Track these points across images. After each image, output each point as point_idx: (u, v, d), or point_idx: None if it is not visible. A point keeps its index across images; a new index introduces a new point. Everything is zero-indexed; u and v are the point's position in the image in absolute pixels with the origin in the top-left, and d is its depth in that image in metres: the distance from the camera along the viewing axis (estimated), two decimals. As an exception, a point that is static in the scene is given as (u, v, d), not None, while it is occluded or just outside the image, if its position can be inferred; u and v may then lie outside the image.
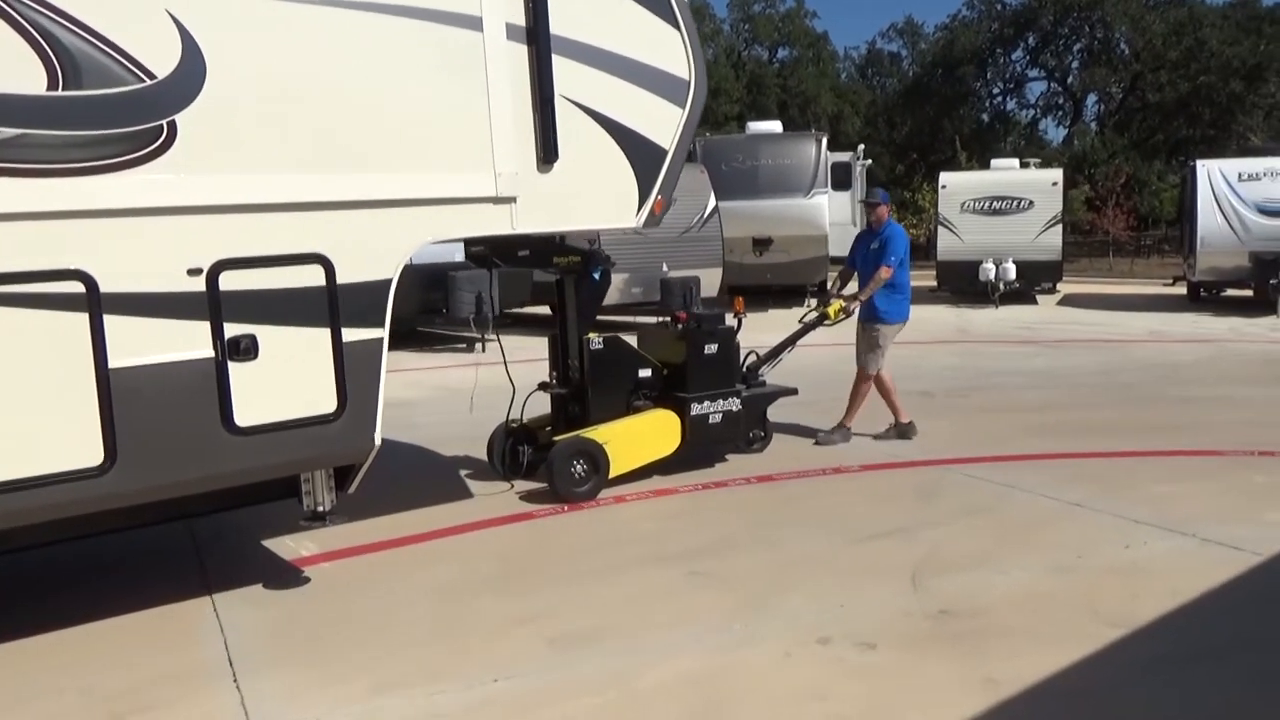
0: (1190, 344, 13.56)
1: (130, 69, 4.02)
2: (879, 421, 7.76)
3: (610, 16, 5.50)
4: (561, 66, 5.24)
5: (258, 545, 5.49)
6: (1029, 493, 6.16)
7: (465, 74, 4.93)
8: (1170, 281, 22.20)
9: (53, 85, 3.86)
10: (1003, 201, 20.13)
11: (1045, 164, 27.01)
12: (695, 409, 6.66)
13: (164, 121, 4.10)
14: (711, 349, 6.80)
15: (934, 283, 21.53)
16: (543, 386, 6.81)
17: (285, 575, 5.00)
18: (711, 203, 16.75)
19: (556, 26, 5.19)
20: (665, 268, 15.64)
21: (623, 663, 3.99)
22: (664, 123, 5.70)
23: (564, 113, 5.26)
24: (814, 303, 7.80)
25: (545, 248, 6.36)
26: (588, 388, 6.54)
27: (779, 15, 48.69)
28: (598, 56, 5.43)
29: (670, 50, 5.71)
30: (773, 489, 6.47)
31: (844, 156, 21.65)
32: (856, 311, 7.60)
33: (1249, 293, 17.73)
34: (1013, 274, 19.21)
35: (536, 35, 5.14)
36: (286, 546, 5.45)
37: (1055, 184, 20.44)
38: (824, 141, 19.90)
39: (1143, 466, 6.83)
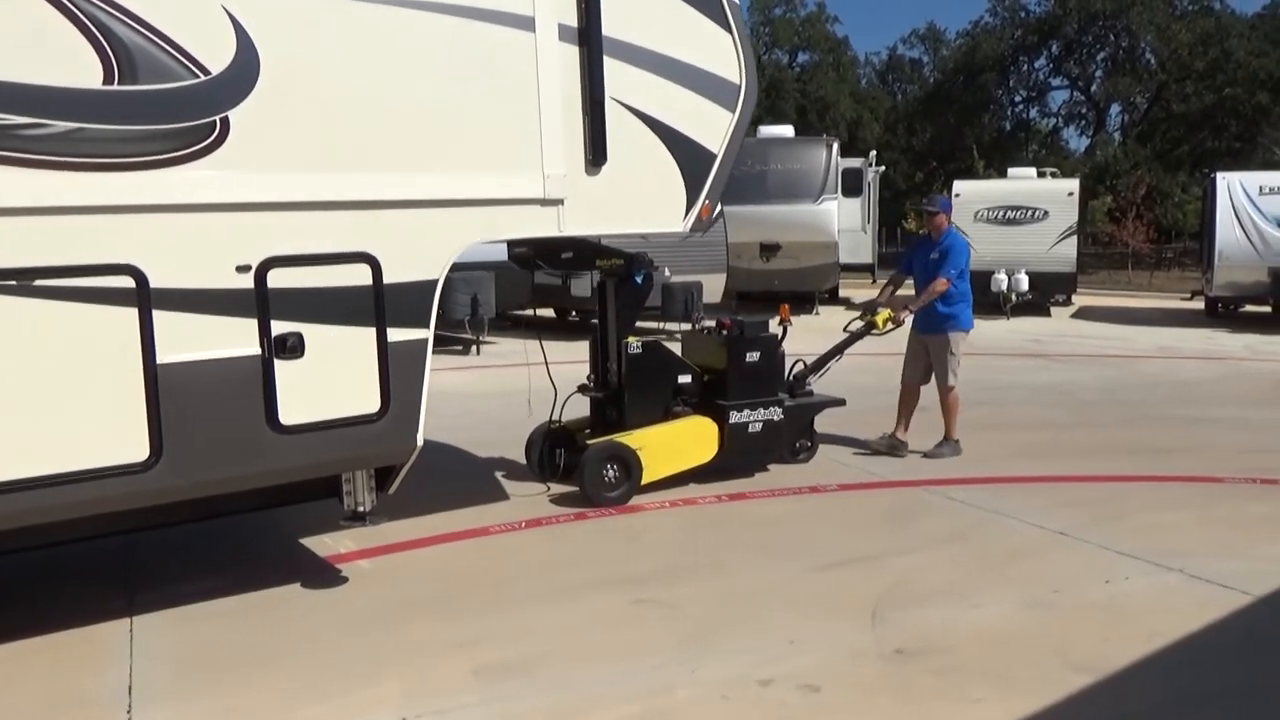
0: (1202, 361, 13.18)
1: (185, 64, 4.00)
2: (881, 430, 7.58)
3: (662, 18, 5.43)
4: (612, 68, 5.17)
5: (190, 563, 5.25)
6: (1012, 519, 5.84)
7: (516, 74, 4.89)
8: (1188, 296, 21.76)
9: (108, 80, 3.85)
10: (1017, 211, 19.76)
11: (1066, 174, 26.59)
12: (734, 417, 6.50)
13: (217, 118, 4.08)
14: (754, 356, 6.64)
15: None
16: (581, 389, 6.70)
17: (215, 595, 4.74)
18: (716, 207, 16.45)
19: (608, 28, 5.12)
20: (667, 272, 15.34)
21: (549, 700, 3.71)
22: (714, 126, 5.62)
23: (614, 115, 5.20)
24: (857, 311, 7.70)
25: (589, 250, 6.27)
26: (625, 392, 6.41)
27: (799, 19, 48.38)
28: (649, 59, 5.35)
29: (722, 53, 5.62)
30: (742, 508, 6.17)
31: (855, 163, 21.31)
32: (908, 321, 7.40)
33: (1268, 309, 17.31)
34: (1025, 285, 18.82)
35: (588, 36, 5.08)
36: (224, 564, 5.22)
37: (1071, 194, 20.04)
38: (835, 147, 19.60)
39: (1136, 492, 6.50)
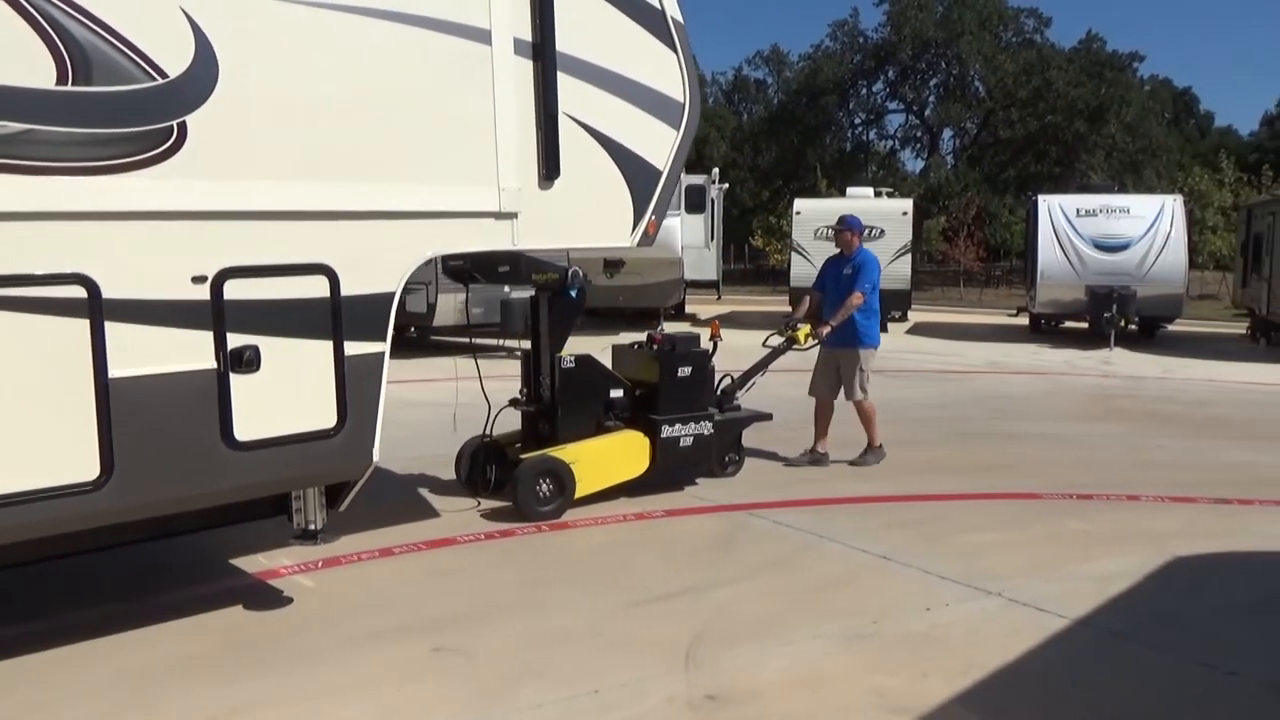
0: (1027, 376, 13.62)
1: (142, 66, 3.86)
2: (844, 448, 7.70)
3: (611, 35, 5.52)
4: (565, 83, 5.24)
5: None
6: (837, 543, 5.69)
7: (473, 87, 4.91)
8: (1014, 312, 22.71)
9: (62, 80, 3.68)
10: (855, 229, 20.14)
11: (904, 194, 27.46)
12: (666, 431, 6.56)
13: (174, 122, 3.95)
14: (685, 371, 6.72)
15: (789, 309, 21.49)
16: (513, 403, 6.67)
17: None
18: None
19: (561, 43, 5.18)
20: (507, 288, 14.89)
21: (320, 773, 3.28)
22: (659, 143, 5.74)
23: (566, 130, 5.26)
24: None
25: (525, 264, 6.21)
26: (558, 406, 6.40)
27: (649, 37, 48.63)
28: (599, 75, 5.44)
29: (667, 72, 5.75)
30: (563, 538, 5.83)
31: (699, 179, 21.35)
32: (824, 335, 7.50)
33: (1085, 325, 18.13)
34: (862, 302, 19.17)
35: (543, 51, 5.14)
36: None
37: (905, 214, 20.63)
38: (678, 164, 19.58)
39: (960, 512, 6.48)
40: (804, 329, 7.55)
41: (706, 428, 6.74)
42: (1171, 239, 17.71)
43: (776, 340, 7.64)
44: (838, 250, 7.89)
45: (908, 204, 21.42)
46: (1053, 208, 18.43)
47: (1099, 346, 16.77)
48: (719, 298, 24.24)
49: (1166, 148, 42.83)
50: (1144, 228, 17.81)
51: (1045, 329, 19.51)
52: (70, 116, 3.71)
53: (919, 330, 20.24)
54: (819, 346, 7.69)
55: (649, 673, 4.00)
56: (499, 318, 14.58)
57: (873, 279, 7.49)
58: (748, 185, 44.79)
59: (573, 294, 6.36)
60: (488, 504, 6.30)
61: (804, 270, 20.36)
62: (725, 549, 5.66)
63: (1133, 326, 18.26)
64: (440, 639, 4.33)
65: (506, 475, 6.31)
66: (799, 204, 21.82)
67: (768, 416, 7.45)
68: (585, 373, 6.50)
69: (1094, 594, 4.87)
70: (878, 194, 23.25)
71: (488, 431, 6.53)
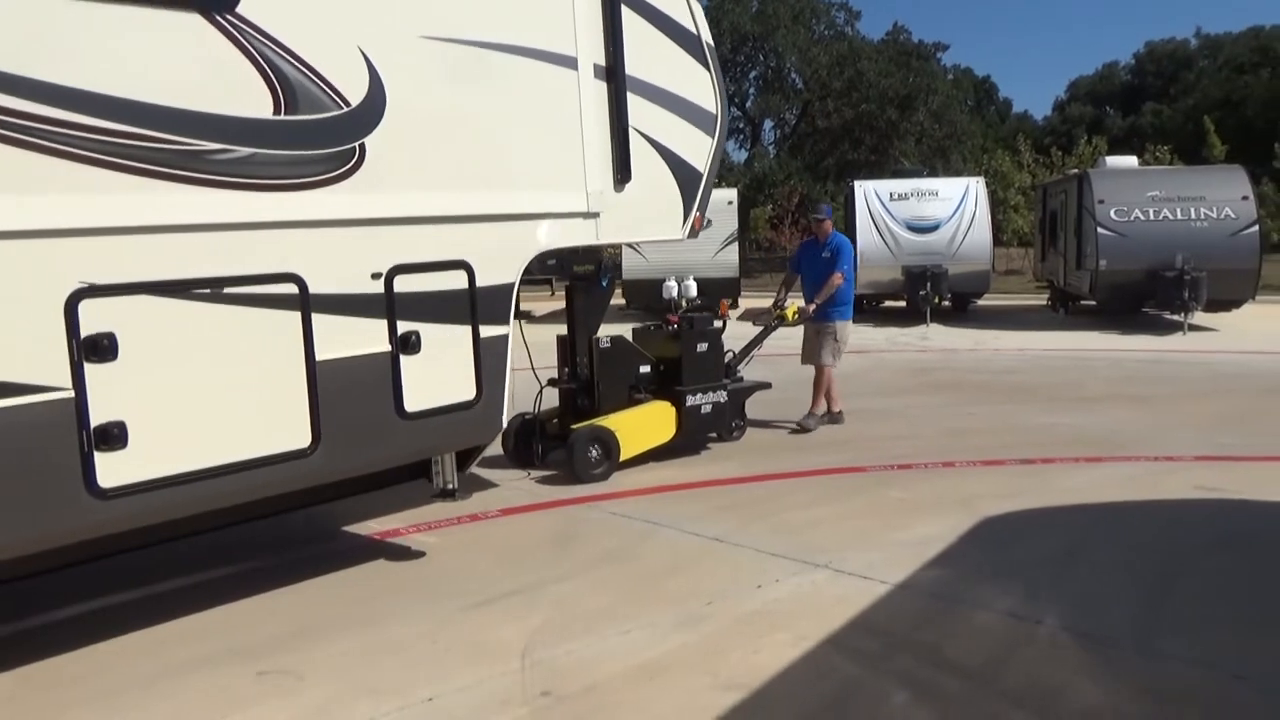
0: (850, 355, 14.09)
1: (333, 97, 4.55)
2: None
3: (662, 58, 6.35)
4: (631, 100, 6.03)
5: None
6: (672, 529, 5.78)
7: (566, 105, 5.69)
8: (838, 295, 23.52)
9: (277, 110, 4.34)
10: (682, 220, 20.46)
11: (729, 185, 28.05)
12: (690, 400, 7.45)
13: (357, 144, 4.64)
14: (703, 347, 7.58)
15: (623, 301, 21.63)
16: (552, 382, 7.34)
17: None
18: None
19: (628, 66, 5.97)
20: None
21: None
22: (700, 149, 6.64)
23: (633, 140, 6.05)
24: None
25: (569, 257, 6.73)
26: (598, 382, 7.11)
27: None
28: (655, 92, 6.28)
29: (703, 87, 6.67)
30: (394, 547, 5.69)
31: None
32: (811, 312, 8.45)
33: (903, 304, 19.00)
34: (694, 291, 19.33)
35: (615, 73, 5.94)
36: None
37: (730, 203, 21.04)
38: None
39: (789, 490, 6.69)
40: (791, 308, 8.53)
41: (722, 396, 7.62)
42: (976, 219, 18.76)
43: (768, 320, 8.63)
44: (812, 235, 8.93)
45: (732, 194, 21.85)
46: (868, 193, 19.21)
47: (916, 323, 17.62)
48: (552, 294, 24.17)
49: (970, 133, 45.31)
50: (951, 209, 18.81)
51: (868, 309, 20.30)
52: (284, 141, 4.36)
53: (750, 316, 20.69)
54: (805, 322, 8.63)
55: (485, 675, 3.96)
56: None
57: (850, 259, 8.50)
58: (578, 180, 44.90)
59: (604, 283, 7.07)
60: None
61: (634, 261, 20.56)
62: (562, 544, 5.66)
63: (946, 303, 19.23)
64: (267, 661, 4.15)
65: (554, 447, 7.04)
66: (627, 197, 21.94)
67: (768, 385, 8.37)
68: (619, 351, 7.27)
69: (914, 558, 5.12)
70: (703, 185, 23.67)
71: (531, 410, 7.20)
